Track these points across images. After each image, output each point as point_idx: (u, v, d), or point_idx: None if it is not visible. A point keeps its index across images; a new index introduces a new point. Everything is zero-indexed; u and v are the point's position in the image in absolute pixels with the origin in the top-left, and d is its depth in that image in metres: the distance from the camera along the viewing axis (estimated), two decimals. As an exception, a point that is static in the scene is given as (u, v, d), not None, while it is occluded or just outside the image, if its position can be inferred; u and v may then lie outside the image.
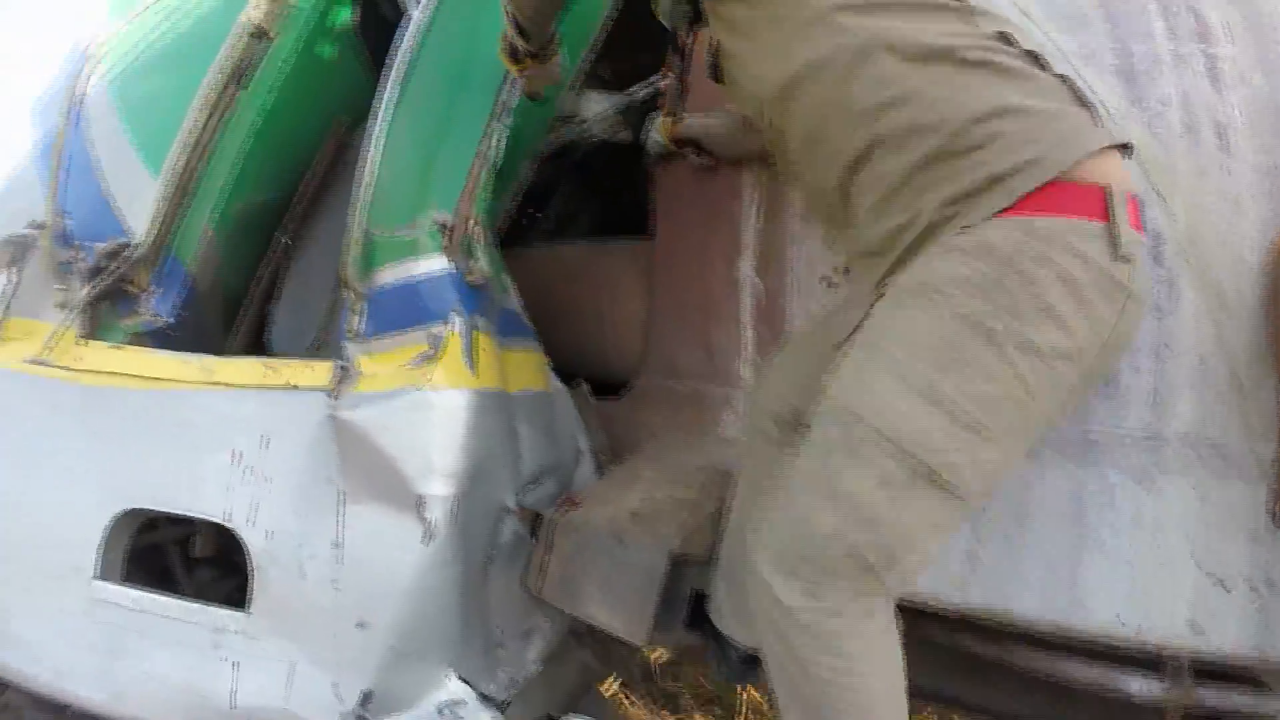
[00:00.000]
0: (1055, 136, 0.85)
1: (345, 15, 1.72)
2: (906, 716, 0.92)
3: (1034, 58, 0.93)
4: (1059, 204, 0.83)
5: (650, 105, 1.67)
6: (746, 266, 1.55)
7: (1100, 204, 0.83)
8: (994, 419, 0.83)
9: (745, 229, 1.54)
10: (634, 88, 1.75)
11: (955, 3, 0.95)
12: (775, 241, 1.52)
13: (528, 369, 1.45)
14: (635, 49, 1.70)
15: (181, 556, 1.64)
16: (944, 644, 1.31)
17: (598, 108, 1.80)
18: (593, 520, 1.30)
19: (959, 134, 0.86)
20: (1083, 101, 0.91)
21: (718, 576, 1.24)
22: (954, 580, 1.23)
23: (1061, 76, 0.93)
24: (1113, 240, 0.82)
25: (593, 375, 1.67)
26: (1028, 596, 1.18)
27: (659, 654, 2.36)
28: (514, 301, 1.50)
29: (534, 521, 1.35)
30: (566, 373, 1.56)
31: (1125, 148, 0.90)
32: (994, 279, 0.82)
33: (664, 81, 1.56)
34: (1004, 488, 1.24)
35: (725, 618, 1.22)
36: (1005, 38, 0.93)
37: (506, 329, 1.42)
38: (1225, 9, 1.31)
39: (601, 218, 2.28)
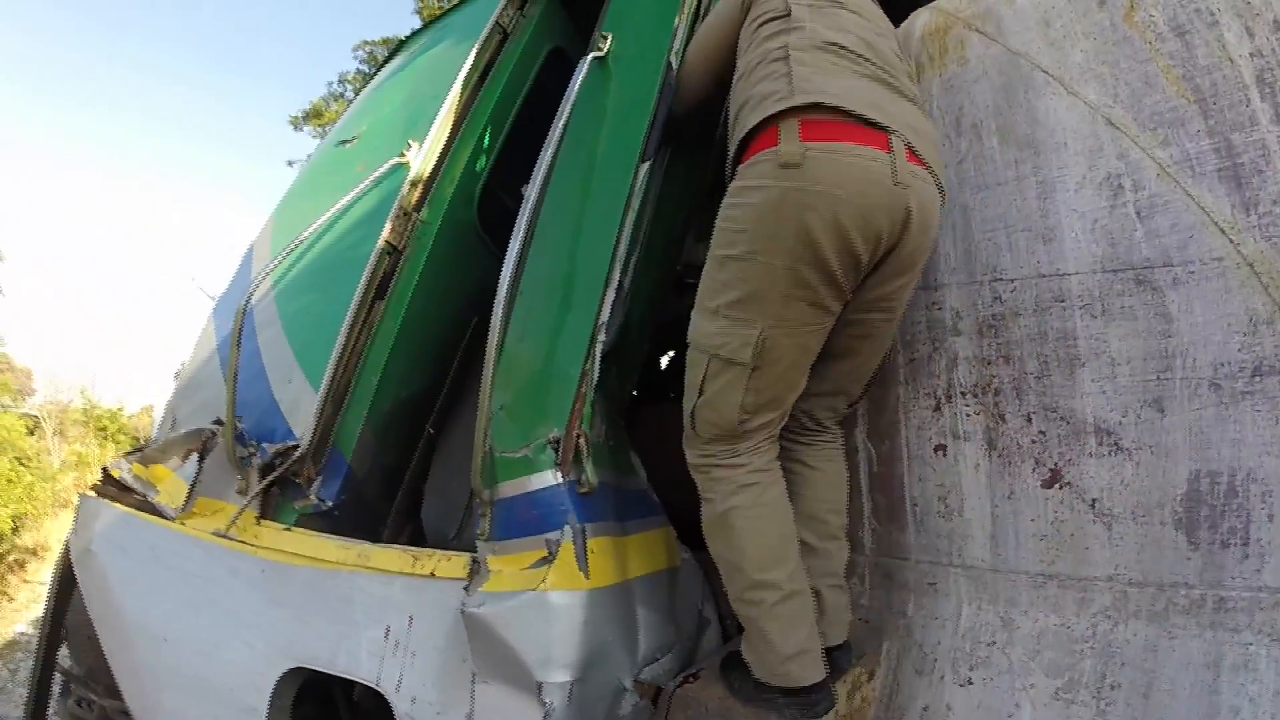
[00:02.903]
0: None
1: (469, 217, 1.97)
2: (770, 534, 1.33)
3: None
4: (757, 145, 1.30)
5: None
6: (860, 434, 1.61)
7: (775, 134, 1.25)
8: (743, 309, 1.28)
9: (858, 395, 1.58)
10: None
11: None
12: (886, 409, 1.57)
13: (652, 549, 1.58)
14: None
15: (345, 695, 1.87)
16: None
17: None
18: (704, 697, 1.39)
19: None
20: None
21: None
22: (1076, 759, 1.17)
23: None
24: (777, 153, 1.23)
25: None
26: (1155, 779, 1.09)
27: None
28: (640, 481, 1.64)
29: (655, 694, 1.45)
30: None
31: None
32: (719, 224, 1.33)
33: None
34: (1127, 654, 1.23)
35: None
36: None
37: (632, 512, 1.57)
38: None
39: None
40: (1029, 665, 1.36)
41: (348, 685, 1.83)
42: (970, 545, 1.47)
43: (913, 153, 1.26)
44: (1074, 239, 1.44)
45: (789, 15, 1.40)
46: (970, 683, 1.41)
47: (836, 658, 1.43)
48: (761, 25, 1.44)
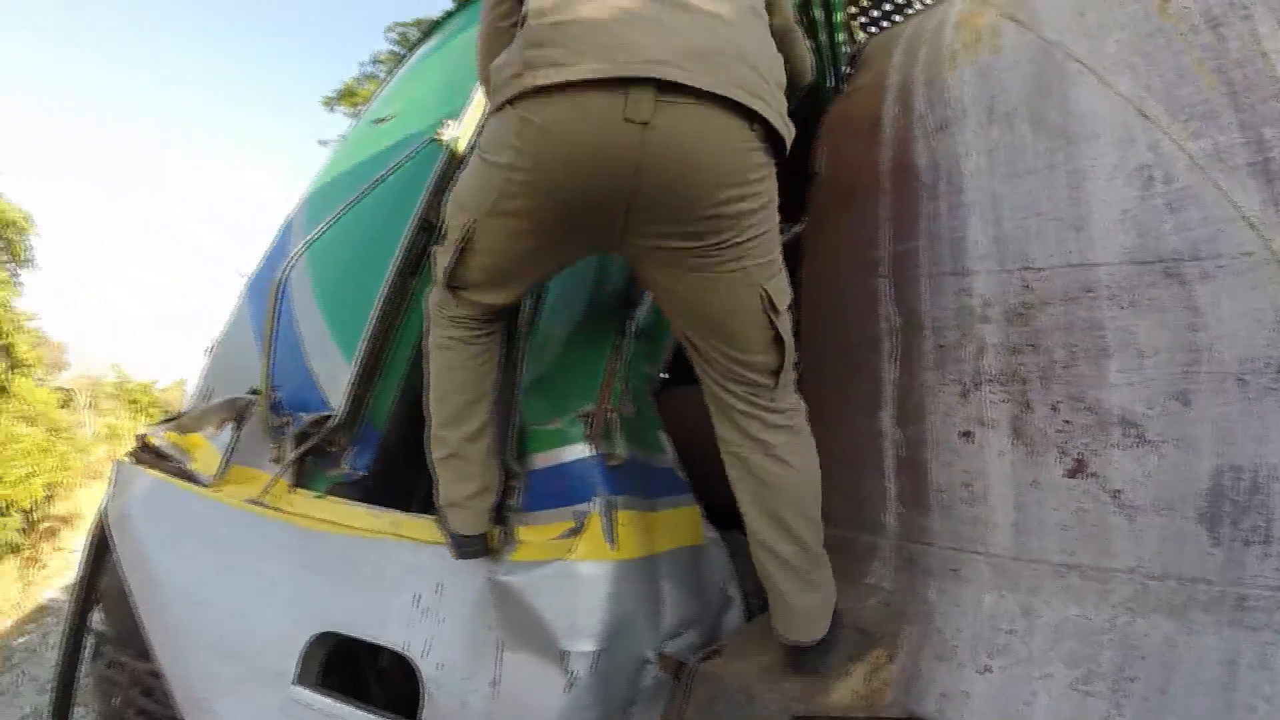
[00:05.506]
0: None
1: None
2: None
3: None
4: None
5: (795, 249, 1.78)
6: (887, 418, 1.62)
7: None
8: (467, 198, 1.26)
9: (884, 380, 1.60)
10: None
11: None
12: (914, 394, 1.58)
13: (678, 526, 1.60)
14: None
15: (372, 662, 1.91)
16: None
17: None
18: (726, 673, 1.41)
19: None
20: None
21: None
22: (1090, 749, 1.18)
23: None
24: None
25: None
26: (1170, 773, 1.08)
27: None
28: (669, 459, 1.66)
29: (677, 669, 1.48)
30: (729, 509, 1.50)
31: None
32: None
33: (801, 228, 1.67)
34: (1145, 648, 1.22)
35: None
36: None
37: (659, 489, 1.59)
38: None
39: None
40: (1048, 655, 1.35)
41: (374, 654, 1.88)
42: (993, 533, 1.47)
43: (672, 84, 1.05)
44: (1104, 229, 1.44)
45: None
46: (989, 670, 1.41)
47: (813, 657, 1.41)
48: None
